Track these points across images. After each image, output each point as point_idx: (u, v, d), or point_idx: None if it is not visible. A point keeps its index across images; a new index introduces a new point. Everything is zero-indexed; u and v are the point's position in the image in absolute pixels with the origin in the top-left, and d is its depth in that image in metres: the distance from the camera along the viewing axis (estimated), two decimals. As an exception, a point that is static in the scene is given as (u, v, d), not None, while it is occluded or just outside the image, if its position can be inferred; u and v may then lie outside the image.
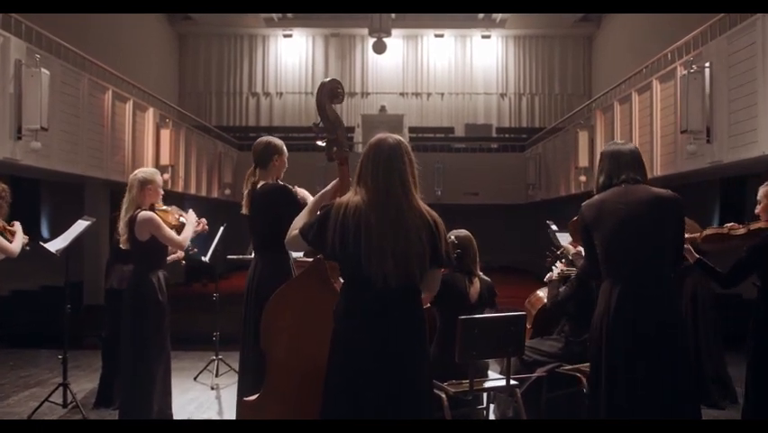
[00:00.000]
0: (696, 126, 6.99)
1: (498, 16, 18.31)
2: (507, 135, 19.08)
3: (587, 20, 18.19)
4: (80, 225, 4.91)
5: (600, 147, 11.01)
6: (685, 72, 7.24)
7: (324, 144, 3.09)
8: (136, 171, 4.42)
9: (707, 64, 7.15)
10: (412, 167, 2.61)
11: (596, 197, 3.16)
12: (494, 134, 19.16)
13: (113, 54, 12.08)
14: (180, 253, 4.82)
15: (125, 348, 4.33)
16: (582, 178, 11.30)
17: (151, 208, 4.35)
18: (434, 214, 2.61)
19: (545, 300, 4.77)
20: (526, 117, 19.64)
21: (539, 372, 4.45)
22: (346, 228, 2.48)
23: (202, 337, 7.16)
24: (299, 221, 2.77)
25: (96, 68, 9.66)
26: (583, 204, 3.18)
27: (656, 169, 8.66)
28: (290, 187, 3.91)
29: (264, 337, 2.94)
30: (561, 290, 4.57)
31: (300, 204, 3.68)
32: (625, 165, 3.14)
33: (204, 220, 4.62)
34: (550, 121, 18.62)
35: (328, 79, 3.10)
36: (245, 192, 3.94)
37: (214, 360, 6.37)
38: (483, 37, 19.35)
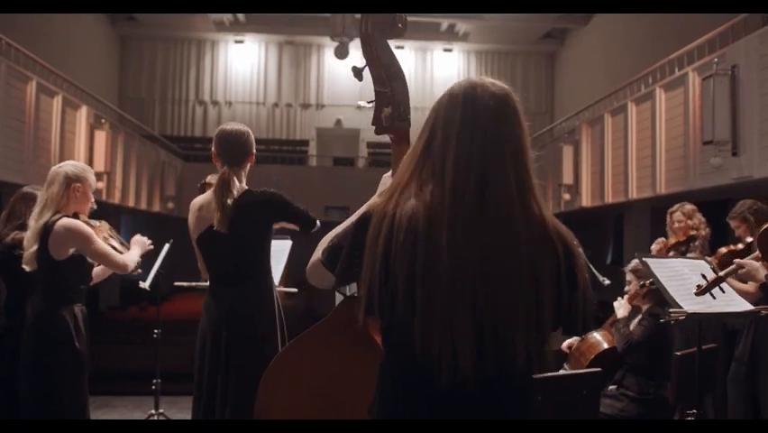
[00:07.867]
0: (723, 136, 6.13)
1: (461, 29, 17.61)
2: (469, 152, 18.30)
3: (550, 36, 17.75)
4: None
5: (587, 162, 10.18)
6: (709, 75, 6.38)
7: (369, 105, 1.81)
8: (62, 164, 3.14)
9: (730, 66, 6.32)
10: (528, 144, 1.45)
11: None
12: (456, 151, 18.37)
13: (42, 49, 10.60)
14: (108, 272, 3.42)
15: (28, 410, 3.06)
16: (566, 196, 10.40)
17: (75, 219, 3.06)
18: (567, 231, 1.43)
19: (604, 346, 3.70)
20: (489, 134, 18.97)
21: (594, 440, 3.39)
22: (389, 260, 1.29)
23: (138, 377, 5.92)
24: (330, 236, 1.49)
25: (16, 53, 8.20)
26: None
27: (660, 186, 7.79)
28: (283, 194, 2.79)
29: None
30: (632, 329, 3.56)
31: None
32: None
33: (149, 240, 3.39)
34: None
35: None
36: (225, 201, 2.71)
37: (153, 415, 4.93)
38: (445, 50, 18.65)
